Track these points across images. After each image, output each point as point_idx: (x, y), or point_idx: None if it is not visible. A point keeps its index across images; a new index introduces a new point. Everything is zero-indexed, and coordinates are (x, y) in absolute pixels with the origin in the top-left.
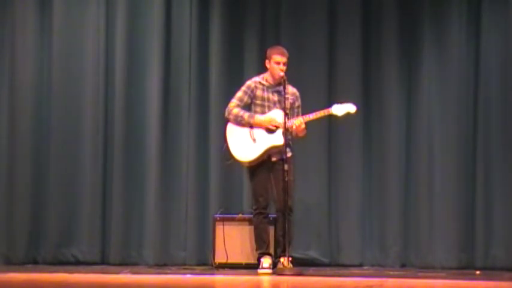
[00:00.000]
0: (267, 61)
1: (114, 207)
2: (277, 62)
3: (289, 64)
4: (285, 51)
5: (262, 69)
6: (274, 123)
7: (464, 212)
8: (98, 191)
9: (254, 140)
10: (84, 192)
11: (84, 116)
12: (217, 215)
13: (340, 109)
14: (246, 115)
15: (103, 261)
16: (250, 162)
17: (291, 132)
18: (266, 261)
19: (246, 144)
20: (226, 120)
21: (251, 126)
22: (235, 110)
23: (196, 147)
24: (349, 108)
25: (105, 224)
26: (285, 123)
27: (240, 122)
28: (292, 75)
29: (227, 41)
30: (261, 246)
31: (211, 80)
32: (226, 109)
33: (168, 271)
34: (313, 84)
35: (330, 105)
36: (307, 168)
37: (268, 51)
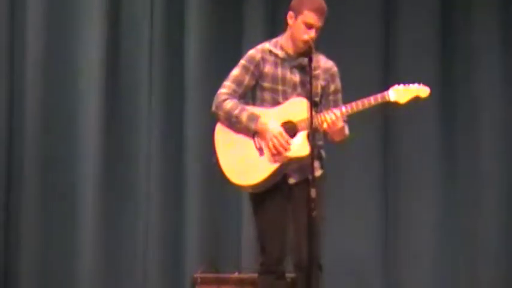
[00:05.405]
0: (291, 14)
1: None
2: (308, 23)
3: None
4: (325, 7)
5: None
6: (282, 139)
7: None
8: None
9: (261, 151)
10: None
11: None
12: (198, 274)
13: (404, 94)
14: (244, 115)
15: None
16: (254, 187)
17: (324, 134)
18: None
19: (247, 157)
20: (215, 118)
21: (254, 132)
22: (228, 104)
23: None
24: (419, 91)
25: None
26: (311, 120)
27: (234, 124)
28: None
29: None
30: None
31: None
32: (214, 99)
33: None
34: None
35: (386, 89)
36: None
37: (298, 2)
